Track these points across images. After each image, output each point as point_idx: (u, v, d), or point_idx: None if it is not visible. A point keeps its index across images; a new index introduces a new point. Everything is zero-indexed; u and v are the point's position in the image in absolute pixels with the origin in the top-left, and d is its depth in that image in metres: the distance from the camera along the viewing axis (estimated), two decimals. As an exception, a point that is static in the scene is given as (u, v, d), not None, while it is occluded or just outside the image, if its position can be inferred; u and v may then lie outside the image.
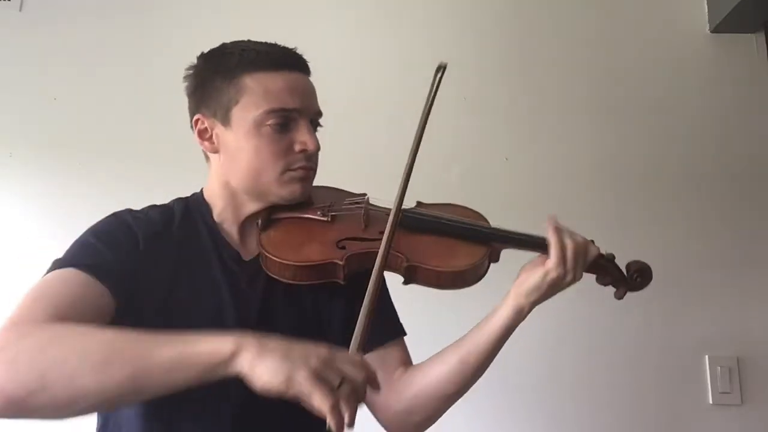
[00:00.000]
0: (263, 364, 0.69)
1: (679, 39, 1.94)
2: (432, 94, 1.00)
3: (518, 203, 1.80)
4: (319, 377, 0.69)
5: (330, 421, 0.68)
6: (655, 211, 1.81)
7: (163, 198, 1.07)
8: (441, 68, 1.01)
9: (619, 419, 1.70)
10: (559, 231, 0.94)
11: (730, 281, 1.76)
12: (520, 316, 0.95)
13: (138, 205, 1.04)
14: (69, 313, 0.80)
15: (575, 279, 0.94)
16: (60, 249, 0.99)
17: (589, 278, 1.00)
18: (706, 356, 1.71)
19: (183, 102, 1.03)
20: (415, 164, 0.99)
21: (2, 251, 1.80)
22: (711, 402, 1.69)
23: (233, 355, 0.70)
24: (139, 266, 0.91)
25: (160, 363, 0.70)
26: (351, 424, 0.69)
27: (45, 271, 0.89)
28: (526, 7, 1.98)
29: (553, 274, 0.92)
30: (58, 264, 0.88)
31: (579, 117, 1.89)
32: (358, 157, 1.67)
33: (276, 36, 1.05)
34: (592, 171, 1.85)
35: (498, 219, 1.09)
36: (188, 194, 1.08)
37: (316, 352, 0.71)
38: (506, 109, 1.90)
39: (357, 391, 0.71)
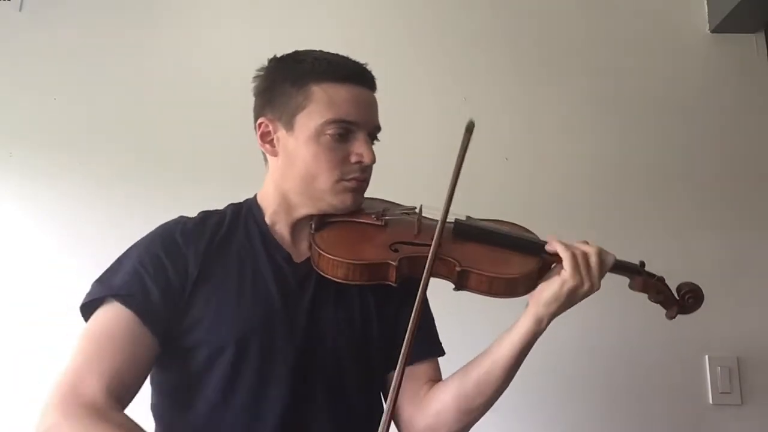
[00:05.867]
0: None
1: (679, 39, 1.94)
2: (463, 151, 1.04)
3: (518, 203, 1.80)
4: None
5: None
6: (655, 211, 1.81)
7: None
8: (470, 128, 1.06)
9: (619, 419, 1.70)
10: (563, 242, 0.96)
11: (729, 281, 1.75)
12: (538, 327, 0.95)
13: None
14: (119, 379, 0.85)
15: (593, 287, 0.95)
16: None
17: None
18: (706, 356, 1.71)
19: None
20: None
21: (2, 251, 1.79)
22: (711, 402, 1.68)
23: None
24: (186, 289, 0.94)
25: None
26: None
27: (89, 290, 0.92)
28: (526, 7, 1.98)
29: (570, 283, 0.93)
30: (104, 290, 0.91)
31: (579, 117, 1.89)
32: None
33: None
34: (592, 171, 1.85)
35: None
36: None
37: None
38: (506, 109, 1.90)
39: None
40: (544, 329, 0.96)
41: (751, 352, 1.71)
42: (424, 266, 0.88)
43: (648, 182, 1.84)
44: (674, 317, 1.04)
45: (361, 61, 1.04)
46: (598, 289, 0.96)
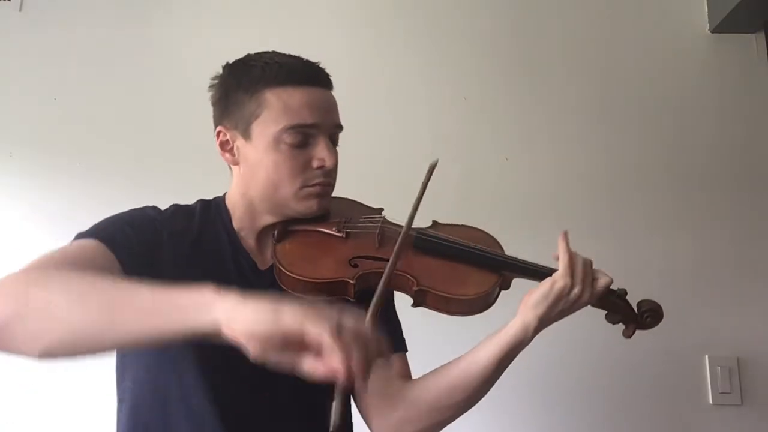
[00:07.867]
0: (245, 309, 0.63)
1: (679, 39, 1.94)
2: (423, 188, 1.00)
3: (518, 203, 1.79)
4: (312, 315, 0.62)
5: (333, 352, 0.59)
6: (655, 212, 1.81)
7: (163, 197, 1.07)
8: (432, 167, 1.01)
9: (619, 419, 1.70)
10: (569, 246, 0.94)
11: (729, 281, 1.76)
12: (524, 335, 0.93)
13: (137, 205, 1.04)
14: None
15: (582, 295, 0.92)
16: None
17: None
18: (706, 356, 1.71)
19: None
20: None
21: (1, 251, 1.79)
22: (711, 402, 1.68)
23: (212, 302, 0.65)
24: (157, 256, 0.92)
25: (137, 302, 0.68)
26: (362, 372, 0.60)
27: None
28: (527, 7, 1.97)
29: (560, 283, 0.91)
30: (79, 235, 0.90)
31: (579, 117, 1.89)
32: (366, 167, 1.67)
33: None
34: (591, 171, 1.85)
35: (498, 218, 1.09)
36: (204, 195, 1.09)
37: (310, 305, 0.65)
38: (506, 109, 1.90)
39: (362, 337, 0.62)
40: (530, 339, 0.94)
41: (751, 352, 1.71)
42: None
43: (648, 182, 1.83)
44: (632, 335, 1.01)
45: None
46: (586, 301, 0.93)
